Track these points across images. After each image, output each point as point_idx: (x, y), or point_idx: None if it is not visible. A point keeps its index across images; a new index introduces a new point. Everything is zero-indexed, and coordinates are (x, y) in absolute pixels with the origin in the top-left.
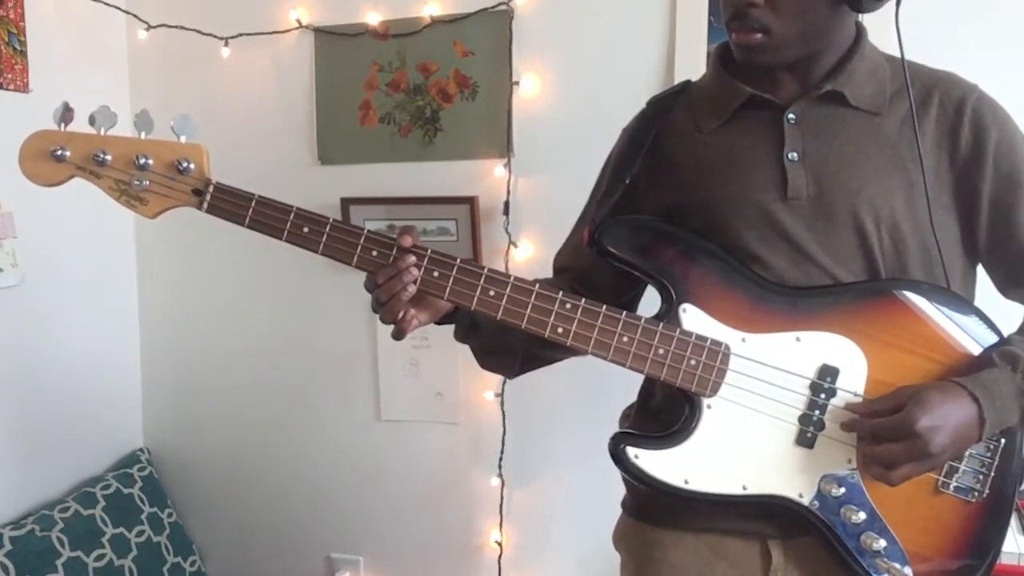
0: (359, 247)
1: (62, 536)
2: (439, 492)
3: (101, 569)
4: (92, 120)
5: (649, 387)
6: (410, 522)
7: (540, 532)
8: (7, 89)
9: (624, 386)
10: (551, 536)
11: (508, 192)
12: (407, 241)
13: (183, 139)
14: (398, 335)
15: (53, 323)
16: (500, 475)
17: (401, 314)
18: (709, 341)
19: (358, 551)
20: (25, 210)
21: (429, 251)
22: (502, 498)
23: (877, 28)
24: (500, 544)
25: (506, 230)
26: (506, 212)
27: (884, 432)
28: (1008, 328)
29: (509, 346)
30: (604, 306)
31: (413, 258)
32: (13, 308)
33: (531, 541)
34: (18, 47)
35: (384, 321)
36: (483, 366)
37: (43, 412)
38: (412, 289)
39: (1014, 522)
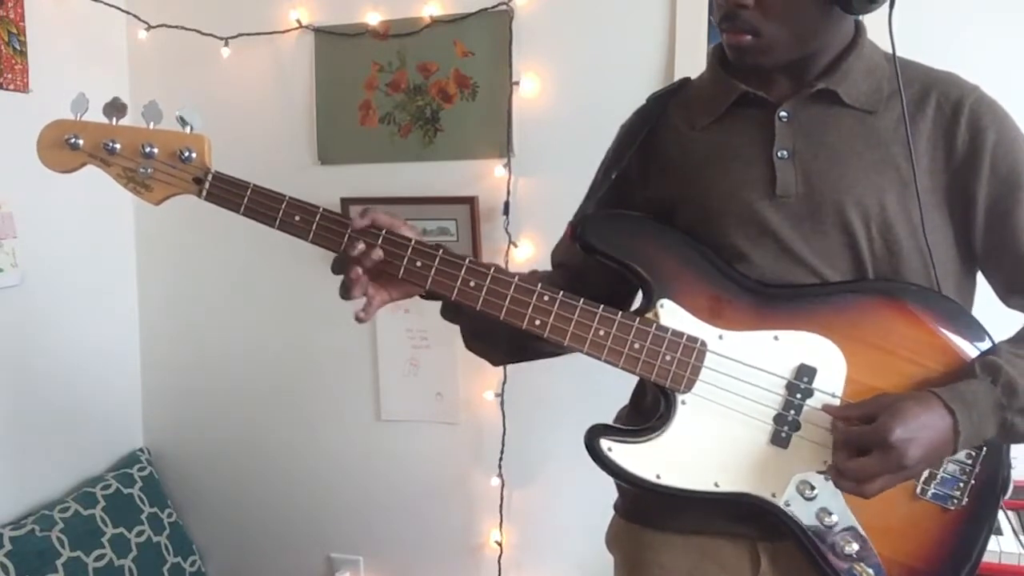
0: (346, 236)
1: (62, 536)
2: (439, 492)
3: (101, 569)
4: (105, 110)
5: (641, 387)
6: (410, 522)
7: (540, 532)
8: (7, 89)
9: (625, 386)
10: (551, 536)
11: (508, 192)
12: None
13: (188, 129)
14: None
15: (53, 323)
16: (500, 475)
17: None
18: (685, 337)
19: (358, 551)
20: (25, 210)
21: (413, 241)
22: (502, 498)
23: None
24: (500, 544)
25: (506, 230)
26: (506, 212)
27: (857, 442)
28: (1006, 335)
29: (493, 332)
30: (581, 300)
31: (380, 252)
32: (13, 308)
33: (531, 541)
34: (18, 47)
35: (343, 296)
36: (469, 348)
37: (43, 412)
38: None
39: (1014, 522)
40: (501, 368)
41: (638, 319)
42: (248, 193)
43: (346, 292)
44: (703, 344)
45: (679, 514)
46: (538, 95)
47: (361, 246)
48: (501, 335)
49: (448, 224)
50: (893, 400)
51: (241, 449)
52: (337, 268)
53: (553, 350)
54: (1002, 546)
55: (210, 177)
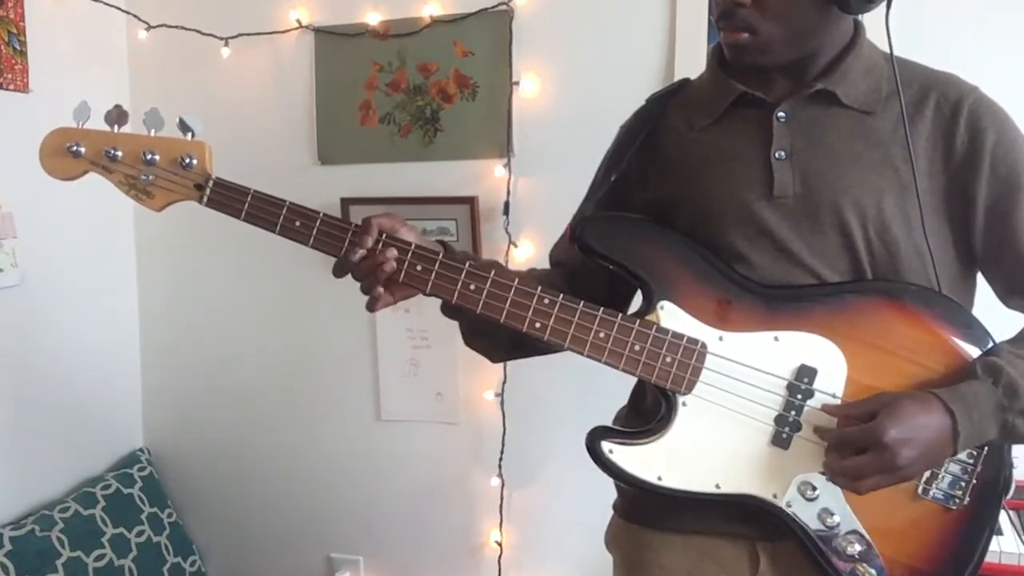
0: (347, 241)
1: (62, 536)
2: (439, 492)
3: (101, 569)
4: (107, 118)
5: (640, 388)
6: (410, 522)
7: (540, 532)
8: (7, 89)
9: (624, 387)
10: (551, 536)
11: (508, 192)
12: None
13: (189, 135)
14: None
15: (53, 323)
16: (500, 475)
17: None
18: (685, 339)
19: (358, 551)
20: (25, 210)
21: (413, 246)
22: (502, 498)
23: (893, 28)
24: (500, 544)
25: (506, 230)
26: (506, 212)
27: (851, 442)
28: (1006, 336)
29: (492, 330)
30: (581, 302)
31: (394, 251)
32: (13, 308)
33: (531, 541)
34: (18, 47)
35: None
36: (468, 345)
37: (43, 412)
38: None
39: (1015, 522)
40: (501, 368)
41: (638, 321)
42: (248, 199)
43: (368, 289)
44: (703, 346)
45: (678, 514)
46: (538, 95)
47: (362, 251)
48: (501, 333)
49: (448, 224)
50: (892, 399)
51: (241, 449)
52: (338, 272)
53: (552, 347)
54: (1002, 546)
55: (211, 183)
